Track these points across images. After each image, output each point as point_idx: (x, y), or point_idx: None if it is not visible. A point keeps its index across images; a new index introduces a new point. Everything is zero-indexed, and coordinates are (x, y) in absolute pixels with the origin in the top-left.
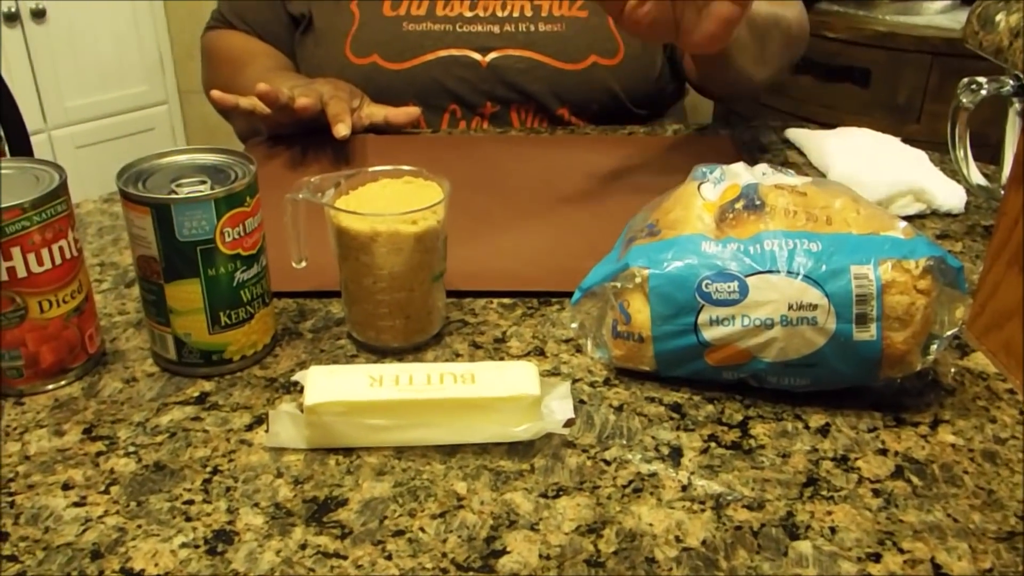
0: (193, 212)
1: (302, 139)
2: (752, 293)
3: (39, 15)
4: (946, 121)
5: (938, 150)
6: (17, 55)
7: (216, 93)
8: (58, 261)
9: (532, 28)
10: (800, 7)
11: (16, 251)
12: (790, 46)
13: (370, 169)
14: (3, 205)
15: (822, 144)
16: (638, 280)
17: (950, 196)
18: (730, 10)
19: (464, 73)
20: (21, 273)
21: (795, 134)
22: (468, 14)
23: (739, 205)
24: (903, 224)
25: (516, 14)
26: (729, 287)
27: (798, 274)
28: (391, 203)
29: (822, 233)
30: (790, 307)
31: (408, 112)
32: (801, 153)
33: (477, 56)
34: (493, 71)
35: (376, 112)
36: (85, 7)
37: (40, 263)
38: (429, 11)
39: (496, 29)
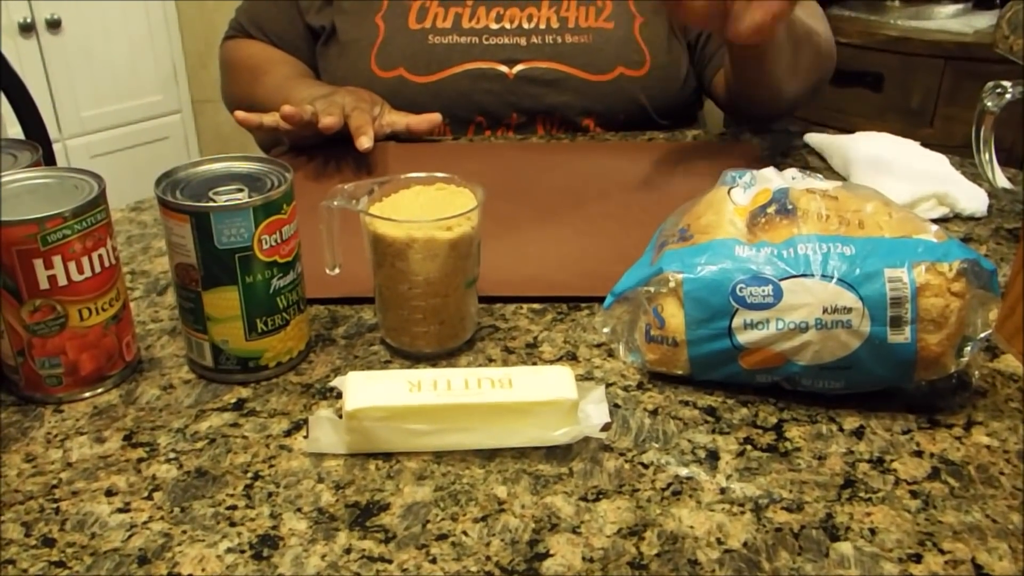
0: (232, 220)
1: (324, 149)
2: (786, 297)
3: (54, 25)
4: (959, 125)
5: (952, 154)
6: (32, 65)
7: (240, 114)
8: (97, 269)
9: (559, 40)
10: (828, 28)
11: (57, 259)
12: (820, 64)
13: (403, 176)
14: (45, 214)
15: (843, 149)
16: (672, 284)
17: (973, 199)
18: (779, 4)
19: (491, 85)
20: (62, 281)
21: (815, 139)
22: (494, 26)
23: (771, 209)
24: (935, 227)
25: (543, 26)
26: (763, 291)
27: (832, 277)
28: (425, 210)
29: (855, 237)
30: (824, 310)
31: (429, 119)
32: (821, 158)
33: (504, 68)
34: (520, 83)
35: (397, 120)
36: (100, 18)
37: (80, 271)
38: (455, 24)
39: (523, 41)
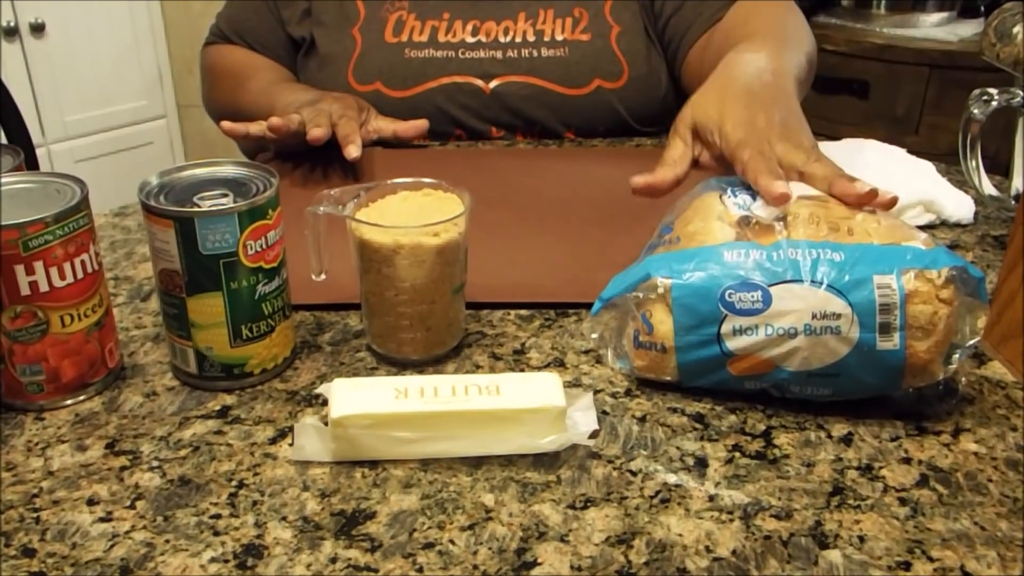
0: (216, 225)
1: (310, 155)
2: (775, 303)
3: (38, 29)
4: (944, 133)
5: (937, 161)
6: (16, 69)
7: (226, 124)
8: (80, 275)
9: (535, 53)
10: (811, 36)
11: (39, 265)
12: (809, 77)
13: (390, 181)
14: (26, 219)
15: (830, 156)
16: (660, 291)
17: (959, 206)
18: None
19: (468, 100)
20: (43, 287)
21: None
22: (470, 39)
23: (760, 215)
24: (923, 234)
25: (519, 39)
26: (752, 297)
27: (821, 283)
28: (412, 215)
29: (844, 243)
30: (813, 316)
31: (416, 126)
32: None
33: (480, 83)
34: (497, 98)
35: (384, 126)
36: (84, 22)
37: (62, 277)
38: (431, 37)
39: (499, 55)
